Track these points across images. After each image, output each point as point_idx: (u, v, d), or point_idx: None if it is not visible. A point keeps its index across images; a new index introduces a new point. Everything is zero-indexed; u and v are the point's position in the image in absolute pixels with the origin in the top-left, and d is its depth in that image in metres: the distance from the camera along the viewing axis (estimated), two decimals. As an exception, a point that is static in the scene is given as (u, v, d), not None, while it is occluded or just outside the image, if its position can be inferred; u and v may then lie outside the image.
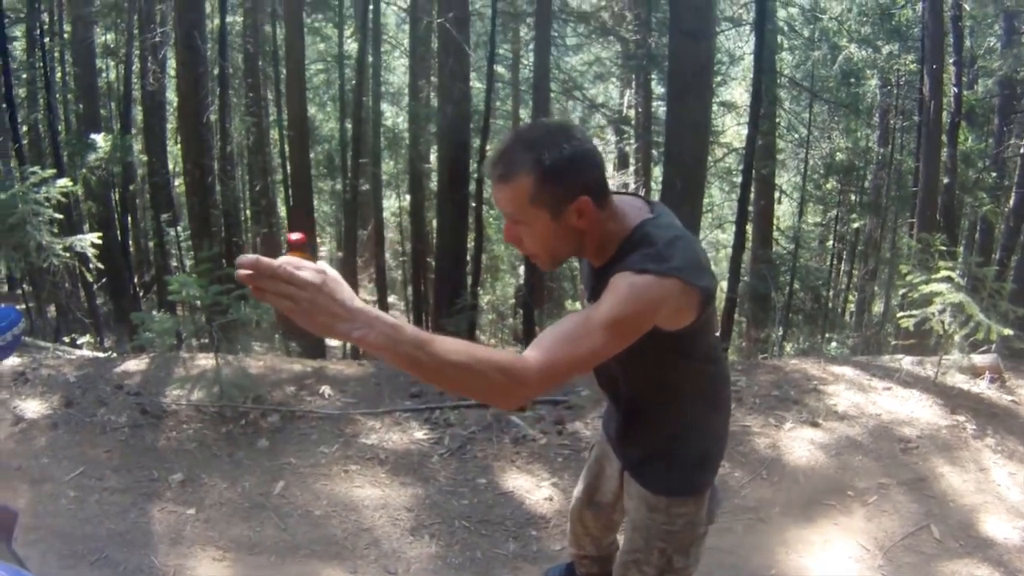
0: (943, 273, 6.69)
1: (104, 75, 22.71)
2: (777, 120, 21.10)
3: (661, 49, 17.90)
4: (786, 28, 20.51)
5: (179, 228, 20.13)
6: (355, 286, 20.81)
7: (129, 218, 22.77)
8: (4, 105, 15.62)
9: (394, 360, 1.93)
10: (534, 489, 5.38)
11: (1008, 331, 6.44)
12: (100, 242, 9.54)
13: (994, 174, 18.90)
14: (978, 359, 7.13)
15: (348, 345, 19.31)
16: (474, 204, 17.52)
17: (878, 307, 23.27)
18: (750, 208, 16.96)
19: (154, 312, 12.32)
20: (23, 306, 15.76)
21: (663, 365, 2.47)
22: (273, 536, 4.89)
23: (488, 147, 16.32)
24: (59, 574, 4.39)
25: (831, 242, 24.46)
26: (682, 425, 2.80)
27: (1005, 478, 5.59)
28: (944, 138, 16.70)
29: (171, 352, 7.67)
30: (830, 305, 22.61)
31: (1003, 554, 4.79)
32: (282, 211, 22.97)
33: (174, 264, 20.82)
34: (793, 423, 6.14)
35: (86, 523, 4.95)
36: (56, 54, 20.31)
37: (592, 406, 6.26)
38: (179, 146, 19.65)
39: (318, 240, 21.37)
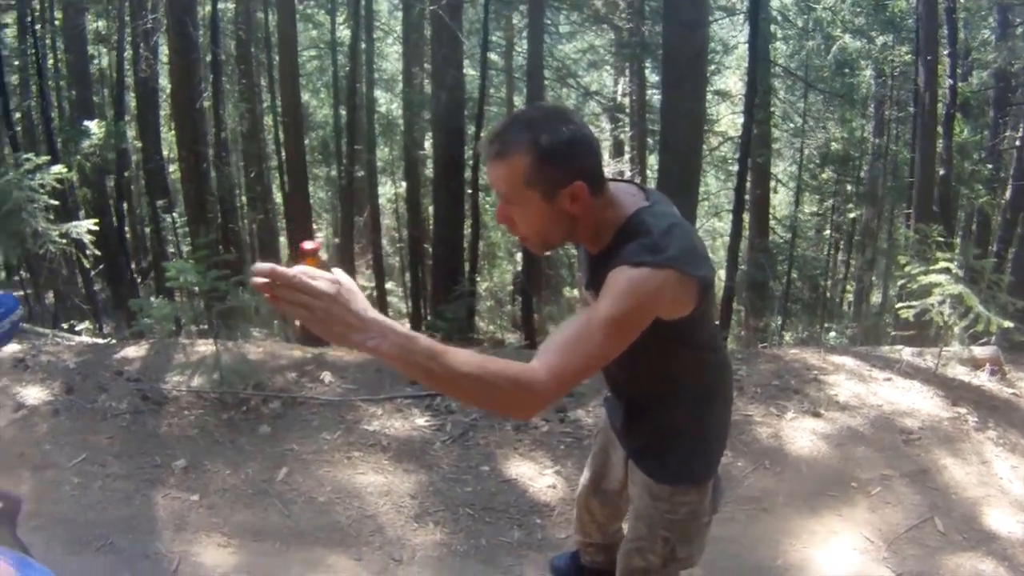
0: (942, 264, 6.68)
1: (96, 62, 22.63)
2: (772, 109, 21.14)
3: (655, 37, 17.89)
4: (780, 17, 20.51)
5: (175, 214, 20.09)
6: (352, 273, 20.70)
7: (125, 205, 22.71)
8: (-4, 93, 15.59)
9: (407, 370, 1.95)
10: (537, 477, 5.38)
11: (1008, 323, 6.44)
12: (97, 228, 9.52)
13: (990, 166, 18.93)
14: (978, 351, 7.13)
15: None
16: (470, 191, 17.51)
17: (876, 297, 23.35)
18: (746, 197, 16.94)
19: (152, 298, 12.30)
20: (21, 293, 15.74)
21: (664, 355, 2.47)
22: (277, 522, 4.89)
23: (482, 135, 16.30)
24: (64, 561, 4.38)
25: (828, 231, 24.52)
26: (684, 414, 2.81)
27: (1007, 472, 5.59)
28: (939, 129, 16.72)
29: (170, 338, 7.66)
30: (828, 295, 22.69)
31: (1007, 548, 4.79)
32: (278, 197, 22.89)
33: (171, 250, 20.80)
34: (795, 413, 6.14)
35: (90, 509, 4.95)
36: (48, 41, 20.24)
37: (593, 394, 6.25)
38: (173, 133, 19.59)
39: (314, 226, 21.28)
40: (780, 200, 25.91)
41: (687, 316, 2.43)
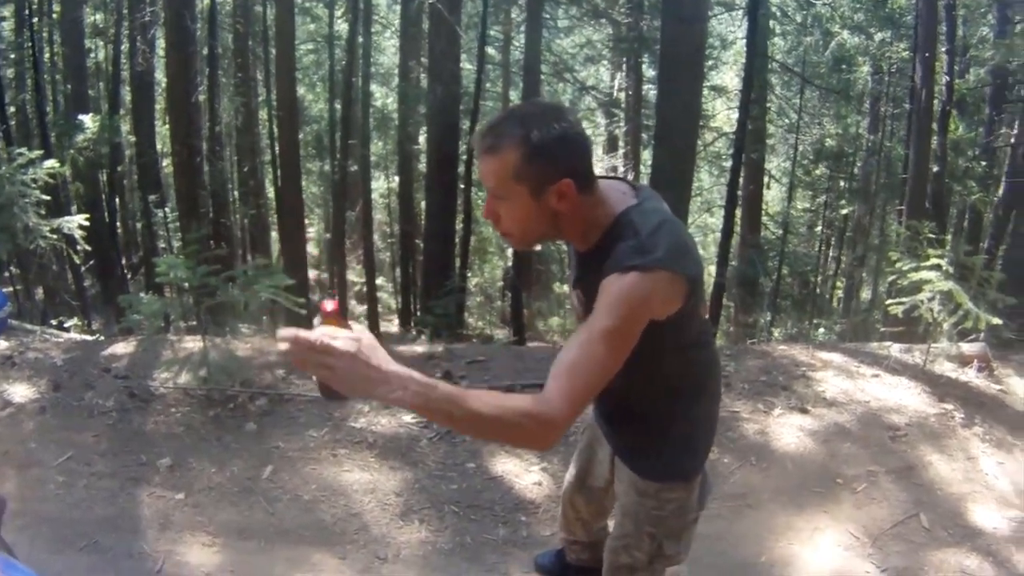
0: (932, 261, 6.69)
1: (93, 55, 22.64)
2: (768, 105, 21.08)
3: (653, 32, 17.86)
4: (779, 13, 20.46)
5: (167, 209, 20.05)
6: (343, 268, 20.80)
7: (117, 199, 22.67)
8: (-9, 86, 15.57)
9: (429, 416, 2.06)
10: (523, 474, 5.38)
11: (996, 320, 6.45)
12: (88, 224, 9.50)
13: (984, 163, 18.94)
14: (966, 347, 7.14)
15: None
16: (463, 186, 17.50)
17: (866, 294, 23.36)
18: (739, 193, 16.94)
19: (142, 294, 12.26)
20: (10, 289, 15.71)
21: (653, 353, 2.45)
22: (262, 521, 4.89)
23: (477, 130, 16.32)
24: (47, 561, 4.37)
25: (820, 228, 24.53)
26: (672, 410, 2.81)
27: (993, 467, 5.60)
28: (935, 126, 16.72)
29: (159, 335, 7.64)
30: (818, 291, 22.68)
31: (991, 543, 4.80)
32: (270, 192, 22.92)
33: (162, 245, 20.74)
34: (782, 409, 6.15)
35: (74, 508, 4.94)
36: (45, 34, 20.22)
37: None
38: (167, 126, 19.57)
39: (306, 221, 21.29)
40: (773, 196, 25.92)
41: (676, 313, 2.43)
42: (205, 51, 18.85)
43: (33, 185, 8.89)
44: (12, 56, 18.79)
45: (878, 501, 5.18)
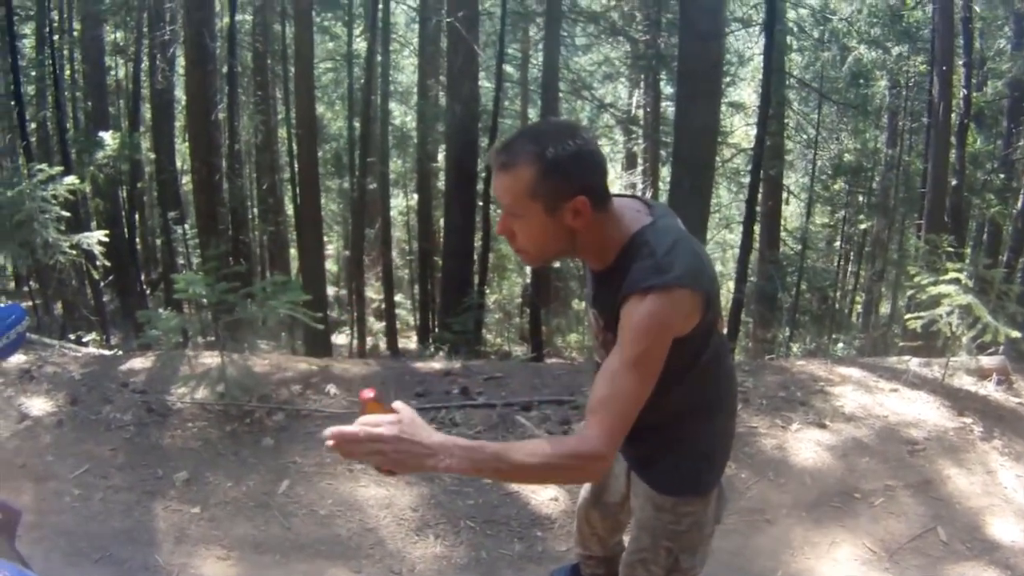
0: (951, 275, 6.66)
1: (113, 73, 22.79)
2: (786, 121, 21.09)
3: (670, 49, 17.89)
4: (796, 29, 20.49)
5: (186, 226, 20.16)
6: (362, 284, 20.83)
7: (137, 215, 22.86)
8: (13, 102, 15.69)
9: (479, 475, 2.22)
10: (539, 489, 5.36)
11: (1016, 333, 6.42)
12: (107, 240, 9.54)
13: (1002, 176, 18.88)
14: (986, 361, 7.09)
15: (354, 344, 19.39)
16: (481, 203, 17.52)
17: (885, 308, 23.26)
18: (758, 209, 16.91)
19: (160, 310, 12.30)
20: (29, 303, 15.78)
21: (669, 367, 2.45)
22: (278, 535, 4.89)
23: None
24: (63, 572, 4.38)
25: (838, 243, 24.45)
26: (688, 424, 2.80)
27: (1012, 480, 5.56)
28: (953, 139, 16.69)
29: (177, 350, 7.65)
30: (837, 306, 22.61)
31: (1010, 557, 4.77)
32: (289, 209, 22.96)
33: (181, 262, 20.87)
34: (800, 424, 6.12)
35: (90, 521, 4.94)
36: (65, 52, 20.41)
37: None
38: (187, 144, 19.69)
39: (325, 238, 21.34)
40: (791, 211, 25.87)
41: (693, 329, 2.44)
42: (224, 69, 18.93)
43: (53, 201, 8.93)
44: (33, 73, 18.91)
45: (896, 515, 5.15)
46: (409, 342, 22.44)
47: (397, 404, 2.18)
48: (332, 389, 6.57)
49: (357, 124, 20.00)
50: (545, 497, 5.28)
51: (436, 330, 18.58)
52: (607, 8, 20.73)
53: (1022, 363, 7.60)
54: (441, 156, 22.05)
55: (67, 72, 20.71)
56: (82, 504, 5.10)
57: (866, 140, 23.53)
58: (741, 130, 23.35)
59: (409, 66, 26.56)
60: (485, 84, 19.92)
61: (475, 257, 18.04)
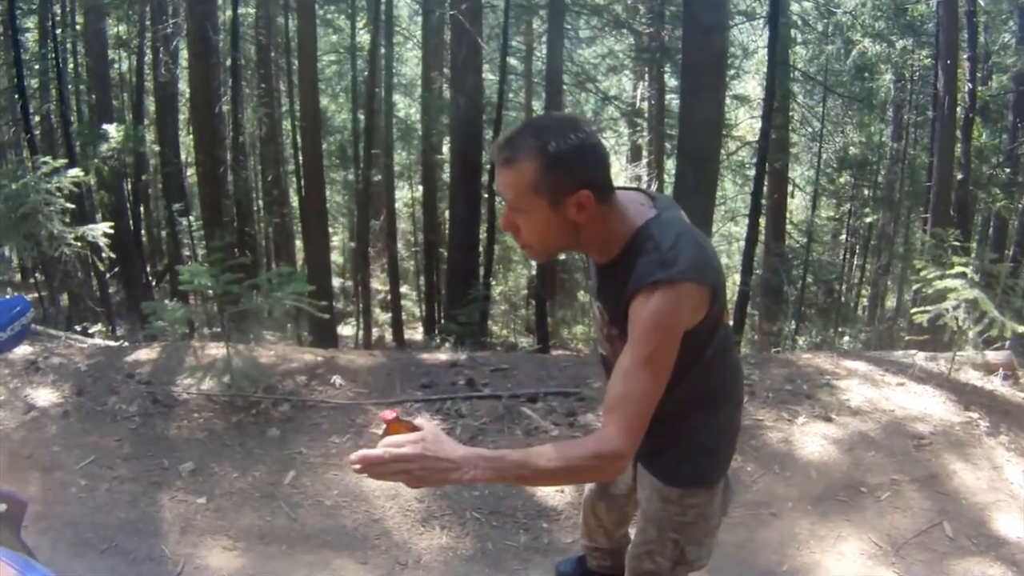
0: (957, 269, 6.65)
1: (116, 66, 22.80)
2: (790, 114, 21.06)
3: (675, 42, 17.86)
4: (800, 22, 20.44)
5: (191, 218, 20.16)
6: (367, 276, 20.84)
7: (141, 208, 22.86)
8: (16, 96, 15.72)
9: (504, 482, 2.43)
10: (545, 482, 5.36)
11: (1022, 328, 6.40)
12: (112, 231, 9.56)
13: (1008, 170, 18.85)
14: (992, 355, 7.09)
15: (360, 336, 19.39)
16: (486, 195, 17.51)
17: (891, 302, 23.25)
18: (763, 202, 16.91)
19: (166, 301, 12.31)
20: (35, 295, 15.81)
21: (677, 362, 2.45)
22: (284, 526, 4.89)
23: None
24: (69, 563, 4.39)
25: (844, 236, 24.44)
26: (695, 417, 2.80)
27: (1018, 476, 5.55)
28: (958, 133, 16.67)
29: (182, 341, 7.67)
30: (843, 299, 22.58)
31: (1016, 553, 4.76)
32: (294, 201, 22.96)
33: (186, 253, 20.87)
34: (806, 418, 6.12)
35: (96, 512, 4.95)
36: (68, 45, 20.38)
37: (603, 398, 6.23)
38: (191, 136, 19.67)
39: (330, 230, 21.35)
40: (797, 205, 25.83)
41: (700, 322, 2.45)
42: (228, 62, 18.91)
43: (58, 193, 8.95)
44: (36, 67, 18.90)
45: (902, 510, 5.14)
46: (415, 333, 22.43)
47: (419, 421, 2.21)
48: (338, 380, 6.57)
49: (361, 116, 19.97)
50: (551, 489, 5.27)
51: (442, 321, 18.58)
52: (611, 1, 20.68)
53: (1029, 358, 7.59)
54: (446, 148, 22.03)
55: (70, 65, 20.70)
56: (88, 495, 5.11)
57: (871, 134, 23.50)
58: (746, 123, 23.31)
59: (413, 59, 26.52)
60: (489, 76, 19.92)
61: (480, 249, 18.05)
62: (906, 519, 5.05)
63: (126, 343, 8.80)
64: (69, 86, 19.67)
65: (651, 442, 2.78)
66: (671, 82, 21.74)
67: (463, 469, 2.10)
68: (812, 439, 5.85)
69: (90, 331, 10.95)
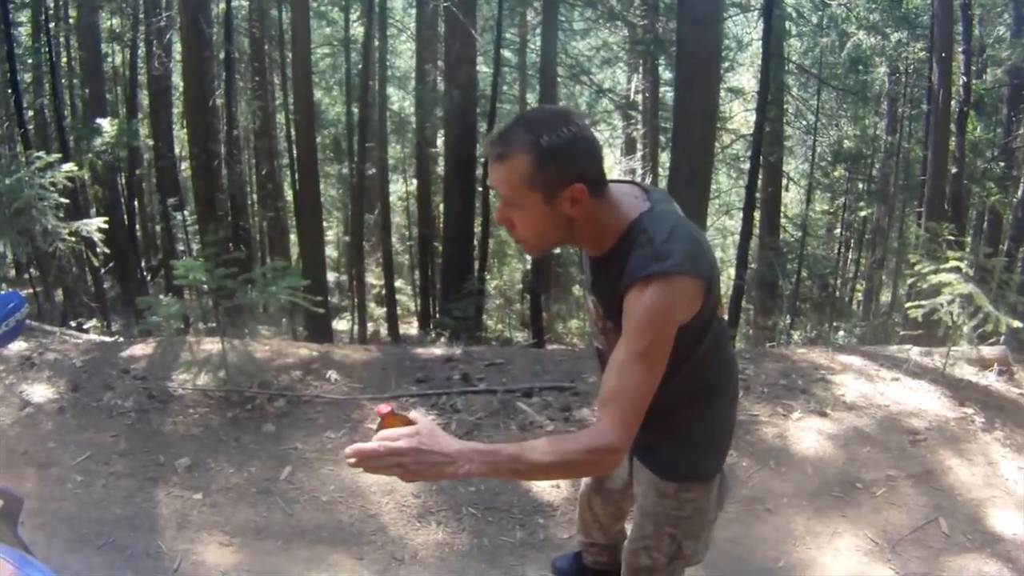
0: (952, 263, 6.65)
1: (110, 60, 22.79)
2: (785, 107, 21.07)
3: (669, 34, 17.83)
4: (794, 14, 20.43)
5: (186, 212, 20.13)
6: (362, 270, 20.84)
7: (136, 202, 22.85)
8: (9, 90, 15.70)
9: (498, 476, 2.40)
10: (541, 477, 5.36)
11: (1017, 323, 6.40)
12: (106, 226, 9.53)
13: (1002, 164, 18.88)
14: (987, 351, 7.09)
15: (355, 330, 19.40)
16: (481, 189, 17.51)
17: (885, 296, 23.27)
18: (757, 195, 16.92)
19: (161, 296, 12.31)
20: (29, 291, 15.77)
21: (672, 356, 2.45)
22: (280, 521, 4.89)
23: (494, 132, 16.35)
24: (65, 559, 4.39)
25: (839, 230, 24.46)
26: (691, 411, 2.81)
27: (1014, 472, 5.56)
28: (952, 127, 16.69)
29: (177, 336, 7.67)
30: (837, 294, 22.63)
31: (1011, 550, 4.76)
32: (288, 195, 22.97)
33: (181, 248, 20.86)
34: (801, 413, 6.12)
35: (92, 508, 4.95)
36: (61, 39, 20.38)
37: (598, 392, 6.23)
38: (185, 130, 19.65)
39: (325, 224, 21.36)
40: (791, 198, 25.86)
41: (694, 316, 2.46)
42: (221, 55, 18.91)
43: (52, 188, 8.92)
44: (30, 61, 18.90)
45: (897, 506, 5.15)
46: (410, 328, 22.46)
47: (414, 415, 2.22)
48: (333, 375, 6.56)
49: (355, 109, 19.99)
50: (547, 484, 5.27)
51: (437, 316, 18.62)
52: (605, -7, 20.69)
53: (1023, 353, 7.59)
54: (440, 141, 22.06)
55: (63, 59, 20.71)
56: (84, 491, 5.10)
57: (866, 127, 23.54)
58: (740, 116, 23.31)
59: (407, 51, 26.52)
60: (483, 69, 19.90)
61: (475, 243, 18.06)
62: (901, 515, 5.06)
63: (121, 338, 8.78)
64: (62, 80, 19.69)
65: (647, 437, 2.79)
66: (665, 74, 21.73)
67: (458, 463, 2.11)
68: (807, 434, 5.85)
69: (85, 327, 10.93)
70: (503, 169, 2.35)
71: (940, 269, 6.69)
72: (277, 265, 6.67)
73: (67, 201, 9.37)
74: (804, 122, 22.60)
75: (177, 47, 20.14)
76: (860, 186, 23.18)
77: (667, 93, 21.49)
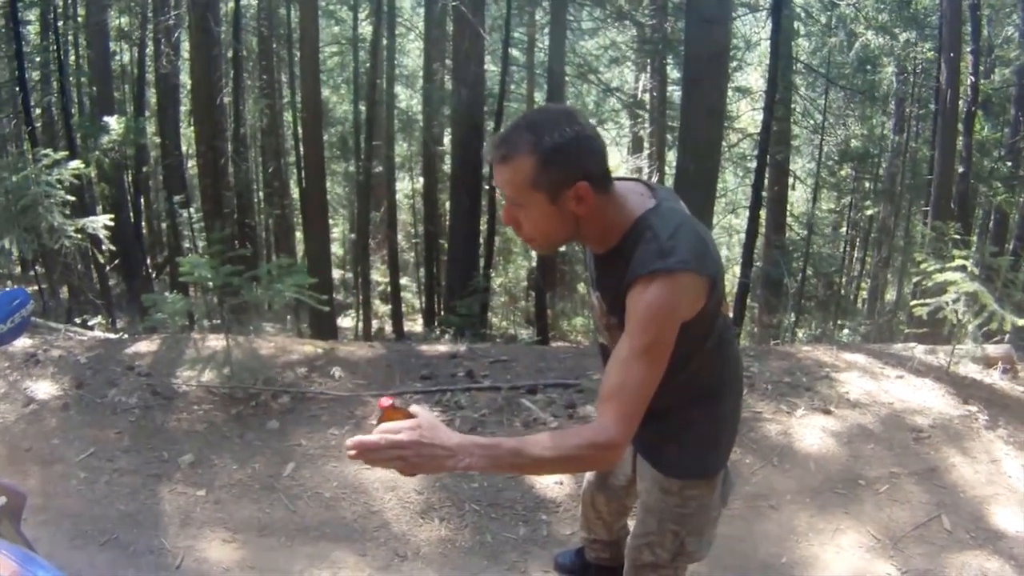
0: (957, 262, 6.64)
1: (118, 58, 22.84)
2: (792, 106, 21.03)
3: (677, 34, 17.86)
4: (803, 14, 20.40)
5: (192, 209, 20.15)
6: (367, 267, 20.86)
7: (142, 200, 22.88)
8: (17, 88, 15.75)
9: (499, 471, 2.43)
10: (544, 473, 5.37)
11: (1022, 321, 6.40)
12: (112, 224, 9.55)
13: (1009, 164, 18.84)
14: (991, 349, 7.08)
15: (360, 327, 19.40)
16: (487, 187, 17.52)
17: (891, 295, 23.24)
18: (764, 194, 16.89)
19: (166, 293, 12.32)
20: (35, 287, 15.81)
21: (674, 351, 2.45)
22: (283, 518, 4.90)
23: (501, 132, 16.36)
24: (68, 555, 4.39)
25: (845, 229, 24.42)
26: (695, 408, 2.81)
27: (1016, 470, 5.55)
28: (960, 127, 16.65)
29: (182, 333, 7.68)
30: (842, 292, 22.59)
31: (1013, 547, 4.76)
32: (295, 192, 23.01)
33: (187, 245, 20.85)
34: (805, 410, 6.12)
35: (96, 504, 4.96)
36: (70, 37, 20.40)
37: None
38: (192, 128, 19.68)
39: (331, 222, 21.38)
40: (798, 197, 25.83)
41: (699, 313, 2.45)
42: (229, 54, 18.93)
43: (58, 185, 8.94)
44: (38, 59, 18.93)
45: (900, 503, 5.14)
46: (415, 325, 22.47)
47: (415, 408, 2.21)
48: (337, 372, 6.58)
49: (363, 108, 19.99)
50: (550, 481, 5.28)
51: (442, 313, 18.64)
52: (613, -8, 20.68)
53: (1028, 351, 7.58)
54: (447, 140, 22.05)
55: (71, 58, 20.73)
56: (88, 487, 5.12)
57: (873, 126, 23.51)
58: (747, 115, 23.27)
59: (415, 50, 26.54)
60: (491, 68, 19.91)
61: (481, 240, 18.06)
62: (904, 512, 5.05)
63: (126, 335, 8.81)
64: (70, 78, 19.69)
65: (651, 433, 2.80)
66: (673, 73, 21.73)
67: (458, 456, 2.10)
68: (811, 431, 5.85)
69: (90, 323, 10.95)
70: (507, 171, 2.36)
71: (946, 268, 6.68)
72: (283, 262, 6.69)
73: (73, 198, 9.39)
74: (811, 121, 22.54)
75: (185, 45, 20.16)
76: (867, 185, 23.15)
77: (674, 92, 21.51)
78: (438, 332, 13.26)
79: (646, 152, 23.06)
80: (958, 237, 7.66)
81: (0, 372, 6.39)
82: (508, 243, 23.41)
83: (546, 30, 19.67)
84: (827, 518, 4.99)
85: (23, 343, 6.87)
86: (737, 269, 14.13)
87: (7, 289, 2.75)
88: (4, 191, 9.04)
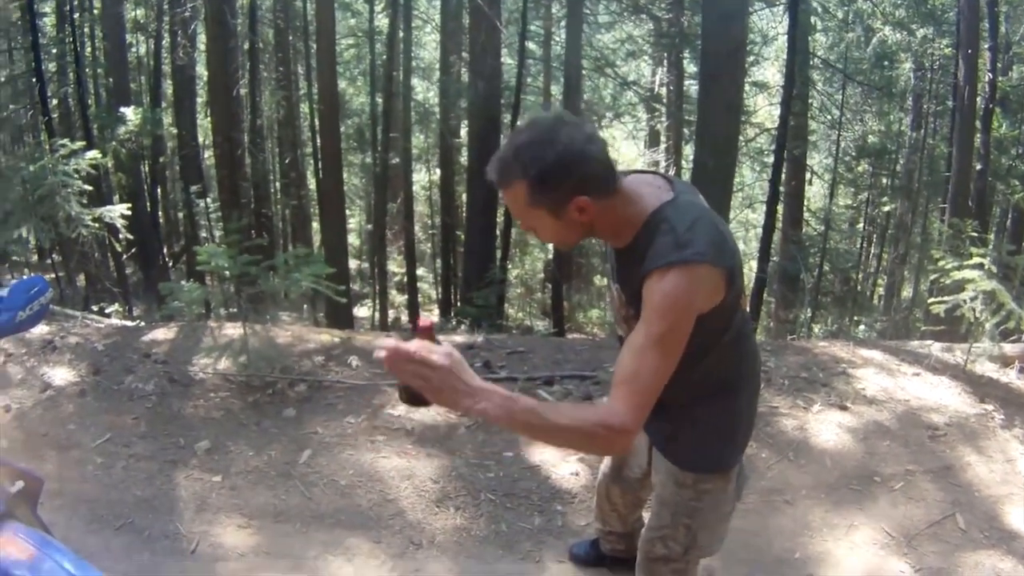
0: (975, 260, 6.62)
1: (134, 49, 22.89)
2: (810, 101, 20.96)
3: (694, 28, 17.82)
4: (820, 9, 20.35)
5: (209, 200, 20.20)
6: (384, 258, 20.89)
7: (159, 190, 22.95)
8: (34, 79, 15.79)
9: (511, 426, 2.19)
10: (560, 464, 5.36)
11: (1040, 321, 6.38)
12: (129, 213, 9.60)
13: (1027, 162, 18.78)
14: (1008, 348, 7.04)
15: (376, 317, 19.43)
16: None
17: (907, 291, 23.17)
18: (781, 189, 16.86)
19: (183, 282, 12.36)
20: (52, 276, 15.87)
21: (692, 344, 2.45)
22: (298, 505, 4.91)
23: (519, 123, 16.36)
24: (84, 540, 4.41)
25: (862, 225, 24.36)
26: (712, 402, 2.81)
27: (1032, 469, 5.54)
28: (978, 124, 16.59)
29: (199, 321, 7.70)
30: (859, 288, 22.52)
31: (1028, 546, 4.75)
32: (311, 183, 23.05)
33: (204, 235, 20.90)
34: (821, 406, 6.10)
35: (112, 489, 4.98)
36: (86, 29, 20.52)
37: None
38: (209, 119, 19.72)
39: (348, 213, 21.42)
40: (815, 192, 25.74)
41: (717, 306, 2.45)
42: (246, 45, 18.96)
43: (75, 175, 8.99)
44: (54, 51, 19.01)
45: (915, 500, 5.13)
46: (431, 315, 22.47)
47: (447, 345, 2.17)
48: (354, 361, 6.58)
49: (379, 100, 20.03)
50: (566, 471, 5.28)
51: (458, 304, 18.66)
52: (630, -14, 20.65)
53: (1045, 351, 7.55)
54: (464, 132, 22.06)
55: (88, 49, 20.84)
56: (104, 473, 5.14)
57: (890, 122, 23.43)
58: (765, 110, 23.26)
59: (431, 42, 26.52)
60: (507, 61, 19.90)
61: (497, 232, 18.06)
62: (919, 510, 5.04)
63: (143, 323, 8.84)
64: (87, 70, 19.77)
65: (668, 427, 2.81)
66: (690, 68, 21.68)
67: (476, 397, 2.10)
68: (827, 427, 5.83)
69: (107, 311, 11.00)
70: (507, 195, 2.42)
71: (963, 265, 6.66)
72: (299, 252, 6.70)
73: (90, 188, 9.45)
74: (829, 117, 22.49)
75: (202, 37, 20.21)
76: (884, 181, 23.07)
77: (692, 86, 21.46)
78: (455, 323, 13.28)
79: (663, 146, 23.07)
80: (976, 235, 7.65)
81: (18, 358, 6.43)
82: (524, 235, 23.41)
83: (563, 23, 19.68)
84: (842, 514, 4.98)
85: (41, 330, 6.90)
86: (754, 264, 14.12)
87: (25, 277, 2.77)
88: (21, 181, 9.10)
